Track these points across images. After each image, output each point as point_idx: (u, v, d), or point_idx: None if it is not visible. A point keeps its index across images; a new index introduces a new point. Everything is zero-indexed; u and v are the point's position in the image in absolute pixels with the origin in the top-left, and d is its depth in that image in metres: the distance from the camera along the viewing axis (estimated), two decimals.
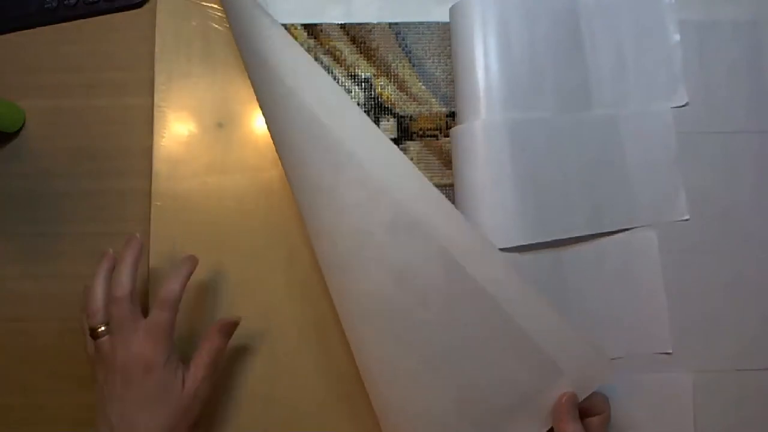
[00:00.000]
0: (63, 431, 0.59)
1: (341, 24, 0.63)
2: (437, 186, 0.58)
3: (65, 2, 0.64)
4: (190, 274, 0.53)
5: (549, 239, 0.54)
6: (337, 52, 0.63)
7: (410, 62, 0.62)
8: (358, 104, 0.62)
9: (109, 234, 0.61)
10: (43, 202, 0.62)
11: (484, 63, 0.55)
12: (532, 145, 0.55)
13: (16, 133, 0.63)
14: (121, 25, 0.64)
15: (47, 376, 0.60)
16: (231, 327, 0.54)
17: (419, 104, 0.62)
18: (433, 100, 0.62)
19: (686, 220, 0.57)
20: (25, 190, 0.62)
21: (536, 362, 0.49)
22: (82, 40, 0.64)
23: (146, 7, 0.64)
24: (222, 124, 0.62)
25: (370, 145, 0.53)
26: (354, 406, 0.57)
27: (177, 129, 0.61)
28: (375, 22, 0.63)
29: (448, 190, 0.59)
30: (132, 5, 0.64)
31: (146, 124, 0.62)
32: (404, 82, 0.62)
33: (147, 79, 0.62)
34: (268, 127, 0.57)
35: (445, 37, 0.62)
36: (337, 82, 0.62)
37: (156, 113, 0.62)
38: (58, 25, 0.64)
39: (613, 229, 0.56)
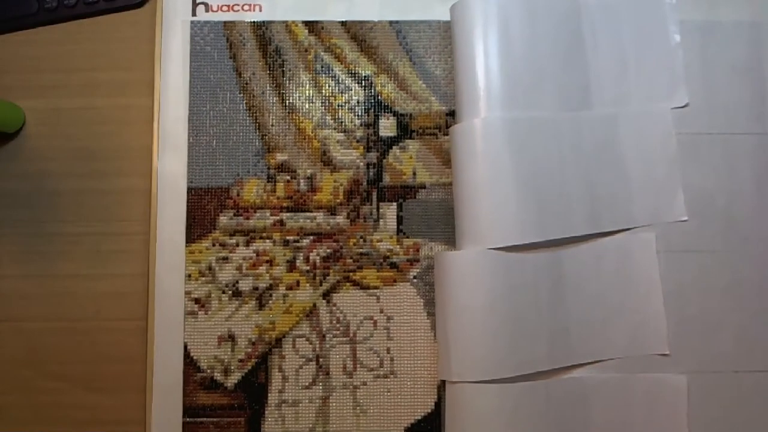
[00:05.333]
0: (63, 431, 0.59)
1: (342, 21, 0.63)
2: (436, 185, 0.59)
3: (65, 2, 0.64)
4: None
5: (547, 238, 0.54)
6: (338, 50, 0.63)
7: (410, 60, 0.62)
8: (358, 102, 0.62)
9: (109, 234, 0.61)
10: (43, 202, 0.62)
11: (484, 61, 0.55)
12: (531, 144, 0.54)
13: (16, 133, 0.63)
14: (121, 25, 0.64)
15: (47, 376, 0.60)
16: None
17: (419, 102, 0.62)
18: (433, 98, 0.62)
19: (685, 221, 0.56)
20: (25, 190, 0.62)
21: None
22: (82, 40, 0.64)
23: (146, 7, 0.64)
24: None
25: None
26: None
27: None
28: (376, 19, 0.63)
29: (448, 189, 0.60)
30: (132, 5, 0.64)
31: (146, 124, 0.62)
32: (404, 80, 0.62)
33: (147, 79, 0.62)
34: None
35: (445, 36, 0.62)
36: (337, 80, 0.62)
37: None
38: (58, 25, 0.64)
39: (612, 229, 0.56)
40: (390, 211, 0.61)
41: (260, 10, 0.63)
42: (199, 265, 0.60)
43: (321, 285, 0.60)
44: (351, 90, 0.62)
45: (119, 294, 0.60)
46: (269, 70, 0.62)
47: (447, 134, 0.61)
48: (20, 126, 0.63)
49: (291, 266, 0.60)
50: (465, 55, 0.56)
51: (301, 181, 0.61)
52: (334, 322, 0.59)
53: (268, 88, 0.62)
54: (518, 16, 0.56)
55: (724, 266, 0.56)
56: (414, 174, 0.61)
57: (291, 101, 0.62)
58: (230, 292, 0.60)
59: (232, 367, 0.59)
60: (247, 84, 0.62)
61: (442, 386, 0.57)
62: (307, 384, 0.59)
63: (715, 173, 0.57)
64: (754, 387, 0.55)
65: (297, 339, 0.59)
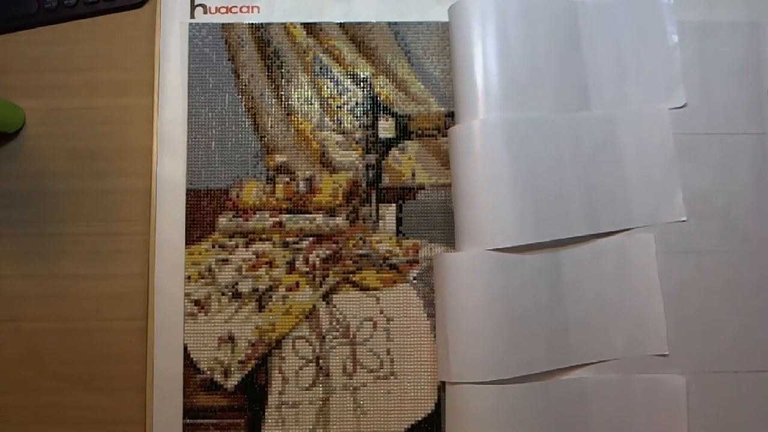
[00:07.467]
0: (63, 431, 0.59)
1: (340, 23, 0.63)
2: (435, 186, 0.59)
3: (65, 2, 0.64)
4: None
5: (546, 239, 0.54)
6: (336, 51, 0.63)
7: (409, 62, 0.62)
8: (357, 104, 0.62)
9: (109, 234, 0.61)
10: (43, 202, 0.62)
11: (482, 63, 0.55)
12: (529, 145, 0.54)
13: (16, 133, 0.63)
14: (121, 25, 0.64)
15: (47, 376, 0.60)
16: None
17: (418, 104, 0.62)
18: (432, 99, 0.62)
19: (683, 221, 0.57)
20: (25, 190, 0.62)
21: None
22: (82, 40, 0.64)
23: (146, 7, 0.64)
24: None
25: None
26: None
27: None
28: (374, 21, 0.63)
29: (447, 190, 0.60)
30: (132, 5, 0.64)
31: (146, 124, 0.62)
32: (403, 81, 0.62)
33: (147, 79, 0.62)
34: None
35: (444, 37, 0.62)
36: (336, 82, 0.62)
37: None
38: (58, 25, 0.64)
39: (611, 230, 0.56)
40: (389, 212, 0.61)
41: (258, 12, 0.63)
42: (199, 267, 0.60)
43: (321, 286, 0.60)
44: (350, 91, 0.62)
45: (119, 294, 0.61)
46: (268, 72, 0.62)
47: (446, 135, 0.61)
48: (20, 126, 0.63)
49: (290, 267, 0.60)
50: (463, 57, 0.56)
51: (301, 182, 0.61)
52: (334, 323, 0.60)
53: (266, 89, 0.62)
54: (516, 17, 0.56)
55: (723, 266, 0.56)
56: (413, 175, 0.61)
57: (290, 103, 0.62)
58: (230, 293, 0.60)
59: (232, 369, 0.59)
60: (245, 86, 0.62)
61: (442, 387, 0.57)
62: (307, 385, 0.59)
63: (713, 173, 0.57)
64: (753, 387, 0.55)
65: (297, 340, 0.59)
